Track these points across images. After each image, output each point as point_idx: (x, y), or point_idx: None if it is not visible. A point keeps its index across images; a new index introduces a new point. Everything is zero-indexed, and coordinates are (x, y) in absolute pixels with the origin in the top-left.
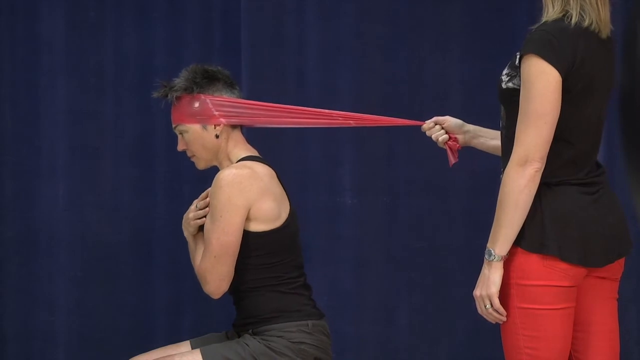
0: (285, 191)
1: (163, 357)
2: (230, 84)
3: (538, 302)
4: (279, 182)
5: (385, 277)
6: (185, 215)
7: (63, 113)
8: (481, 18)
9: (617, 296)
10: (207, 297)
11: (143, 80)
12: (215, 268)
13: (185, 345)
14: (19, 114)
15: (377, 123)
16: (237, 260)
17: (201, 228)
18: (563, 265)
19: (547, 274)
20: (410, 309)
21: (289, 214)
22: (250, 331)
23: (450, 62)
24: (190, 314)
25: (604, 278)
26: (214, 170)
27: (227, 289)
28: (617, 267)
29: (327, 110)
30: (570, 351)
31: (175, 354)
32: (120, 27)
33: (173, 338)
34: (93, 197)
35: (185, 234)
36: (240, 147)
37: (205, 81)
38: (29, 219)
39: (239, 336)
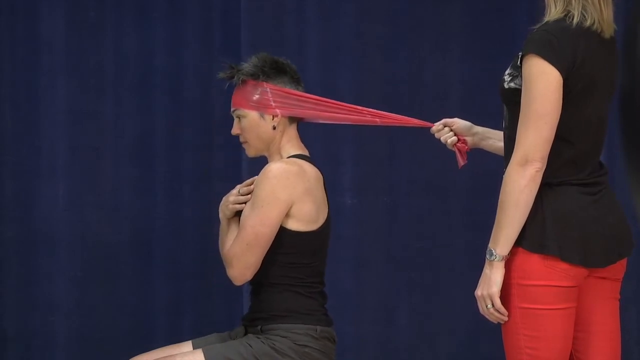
0: (326, 197)
1: (164, 357)
2: (297, 80)
3: (539, 302)
4: (323, 186)
5: (385, 277)
6: (225, 198)
7: (63, 113)
8: (481, 18)
9: (618, 296)
10: (207, 297)
11: (143, 80)
12: (244, 255)
13: (187, 345)
14: (19, 114)
15: (398, 122)
16: (266, 253)
17: (237, 213)
18: (564, 266)
19: (547, 274)
20: (410, 309)
21: (325, 220)
22: (259, 327)
23: (450, 62)
24: (190, 314)
25: (604, 278)
26: (213, 171)
27: (250, 278)
28: (618, 268)
29: (359, 107)
30: (571, 351)
31: (176, 354)
32: (120, 27)
33: (173, 338)
34: (93, 197)
35: (221, 215)
36: (293, 144)
37: (273, 71)
38: (29, 219)
39: (246, 332)
